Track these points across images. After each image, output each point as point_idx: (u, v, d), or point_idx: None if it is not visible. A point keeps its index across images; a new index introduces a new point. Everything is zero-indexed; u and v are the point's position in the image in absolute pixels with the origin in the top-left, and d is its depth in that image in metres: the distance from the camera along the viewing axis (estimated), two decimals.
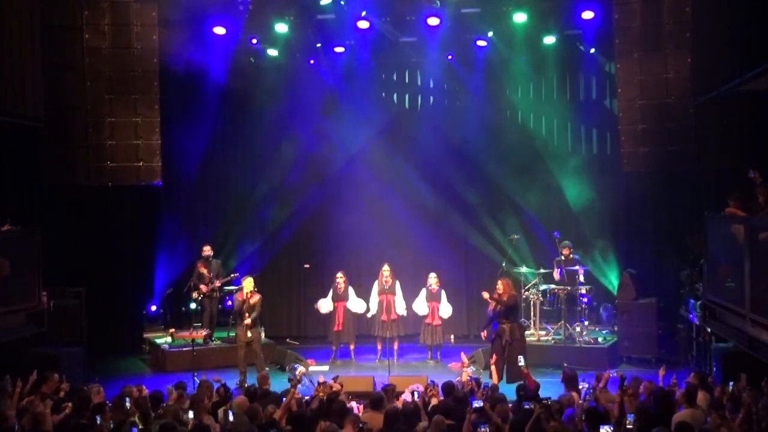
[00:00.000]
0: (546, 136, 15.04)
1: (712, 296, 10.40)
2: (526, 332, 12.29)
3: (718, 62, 11.53)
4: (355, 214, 14.55)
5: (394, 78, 15.51)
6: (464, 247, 15.17)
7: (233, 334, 12.81)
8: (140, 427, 7.68)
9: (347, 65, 14.68)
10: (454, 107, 15.43)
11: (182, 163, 13.95)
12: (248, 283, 12.15)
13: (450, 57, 14.67)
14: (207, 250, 13.53)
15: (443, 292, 13.41)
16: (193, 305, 13.26)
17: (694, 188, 13.21)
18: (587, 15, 13.16)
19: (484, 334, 12.24)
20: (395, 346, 13.32)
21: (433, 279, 13.38)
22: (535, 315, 13.34)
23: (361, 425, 7.23)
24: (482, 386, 9.43)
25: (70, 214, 13.77)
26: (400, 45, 14.49)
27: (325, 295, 13.72)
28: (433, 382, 9.71)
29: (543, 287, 13.32)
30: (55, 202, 13.47)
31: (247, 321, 11.95)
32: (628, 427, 7.12)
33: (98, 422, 7.59)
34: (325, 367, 12.80)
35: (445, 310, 13.39)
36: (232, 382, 11.15)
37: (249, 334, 12.02)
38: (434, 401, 8.65)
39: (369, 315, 13.52)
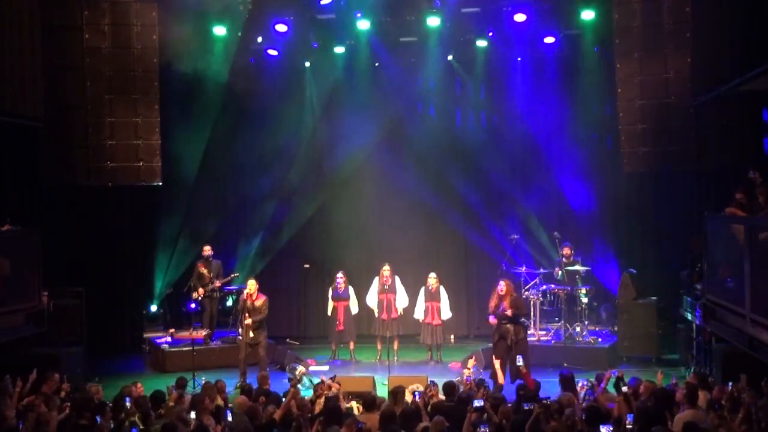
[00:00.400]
0: (546, 136, 15.03)
1: (712, 296, 10.40)
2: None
3: (718, 62, 11.55)
4: (355, 214, 14.55)
5: (394, 78, 15.50)
6: (464, 247, 15.17)
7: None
8: (140, 427, 7.69)
9: (347, 65, 14.69)
10: (454, 107, 15.42)
11: (182, 163, 13.93)
12: (251, 285, 12.12)
13: (450, 57, 14.67)
14: (207, 250, 13.51)
15: (444, 293, 13.42)
16: (193, 305, 13.25)
17: (694, 188, 13.21)
18: (587, 15, 13.19)
19: (493, 320, 11.54)
20: (395, 346, 13.32)
21: (432, 279, 13.38)
22: (535, 315, 13.34)
23: (359, 426, 7.22)
24: (484, 386, 9.41)
25: (70, 214, 13.79)
26: (400, 45, 14.49)
27: (325, 295, 13.68)
28: (433, 382, 9.72)
29: (543, 287, 13.33)
30: (55, 202, 13.48)
31: (248, 321, 11.91)
32: (628, 427, 7.11)
33: (98, 422, 7.60)
34: (325, 367, 12.79)
35: (446, 312, 13.39)
36: (232, 383, 11.15)
37: (251, 334, 11.96)
38: (434, 401, 8.65)
39: (376, 312, 13.47)
